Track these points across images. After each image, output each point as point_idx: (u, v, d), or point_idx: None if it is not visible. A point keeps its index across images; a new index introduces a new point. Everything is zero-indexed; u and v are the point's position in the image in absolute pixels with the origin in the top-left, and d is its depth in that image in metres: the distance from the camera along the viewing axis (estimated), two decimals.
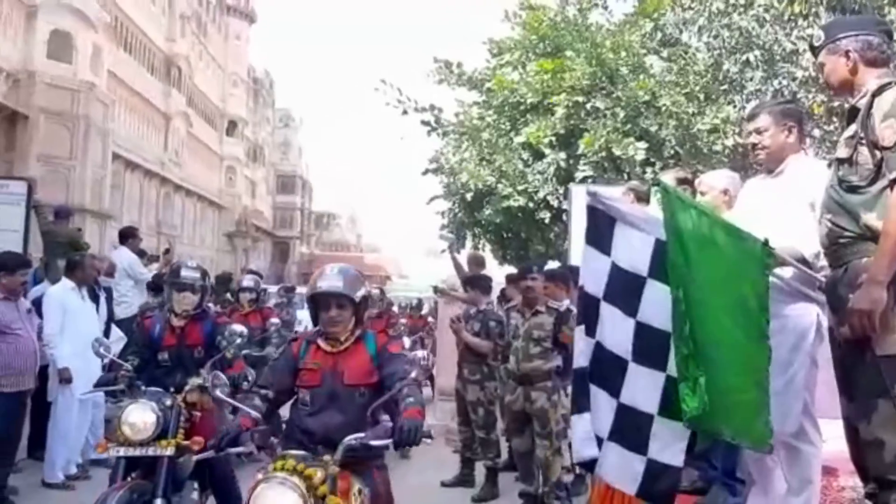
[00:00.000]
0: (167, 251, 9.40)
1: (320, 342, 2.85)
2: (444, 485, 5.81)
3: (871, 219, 2.23)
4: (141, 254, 8.38)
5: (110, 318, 6.43)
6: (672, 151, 9.04)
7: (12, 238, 7.09)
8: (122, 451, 3.36)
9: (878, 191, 2.22)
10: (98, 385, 3.88)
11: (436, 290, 8.15)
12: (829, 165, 2.53)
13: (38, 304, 5.63)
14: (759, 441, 2.59)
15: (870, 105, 2.26)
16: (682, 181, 3.95)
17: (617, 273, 3.12)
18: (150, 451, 3.34)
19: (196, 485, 3.77)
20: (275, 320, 6.92)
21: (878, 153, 2.22)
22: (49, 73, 24.28)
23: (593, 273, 3.22)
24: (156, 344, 3.94)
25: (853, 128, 2.33)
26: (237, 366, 3.93)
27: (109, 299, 6.58)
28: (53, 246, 7.24)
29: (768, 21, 8.87)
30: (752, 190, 3.18)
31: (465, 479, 5.95)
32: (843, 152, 2.36)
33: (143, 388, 3.63)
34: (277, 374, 2.95)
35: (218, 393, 3.04)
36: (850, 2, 7.98)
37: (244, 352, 5.92)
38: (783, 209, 2.87)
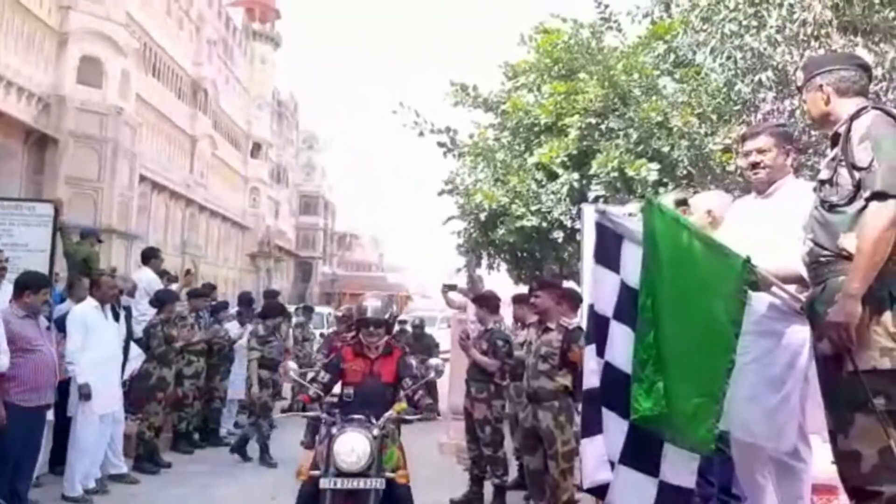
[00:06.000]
0: (188, 272, 9.59)
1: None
2: (453, 503, 5.86)
3: (848, 238, 2.31)
4: (162, 274, 8.61)
5: (129, 336, 6.61)
6: (684, 172, 9.03)
7: (39, 258, 7.30)
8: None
9: (856, 211, 2.31)
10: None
11: (445, 287, 8.29)
12: (814, 189, 2.62)
13: (61, 321, 5.83)
14: (700, 444, 2.69)
15: (848, 129, 2.37)
16: (680, 202, 4.03)
17: (625, 291, 3.15)
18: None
19: None
20: None
21: (856, 174, 2.31)
22: (79, 98, 24.96)
23: (603, 291, 3.26)
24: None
25: (834, 151, 2.45)
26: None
27: (129, 318, 6.77)
28: (74, 266, 7.48)
29: (781, 42, 8.86)
30: (740, 210, 3.24)
31: (474, 497, 5.99)
32: (824, 174, 2.47)
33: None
34: None
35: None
36: (862, 22, 7.96)
37: None
38: (776, 231, 2.93)
